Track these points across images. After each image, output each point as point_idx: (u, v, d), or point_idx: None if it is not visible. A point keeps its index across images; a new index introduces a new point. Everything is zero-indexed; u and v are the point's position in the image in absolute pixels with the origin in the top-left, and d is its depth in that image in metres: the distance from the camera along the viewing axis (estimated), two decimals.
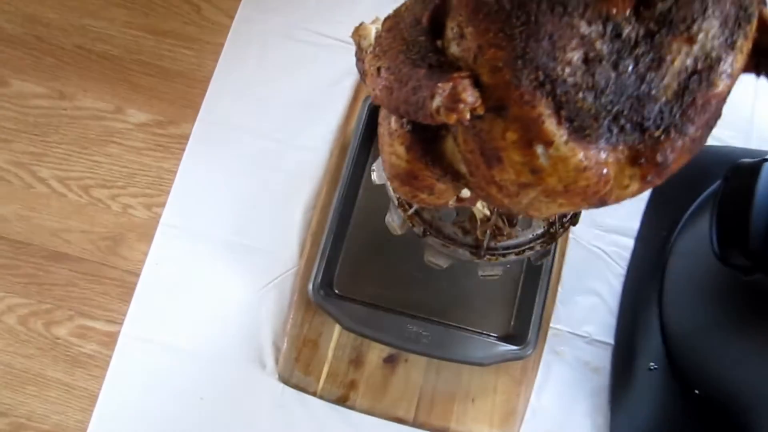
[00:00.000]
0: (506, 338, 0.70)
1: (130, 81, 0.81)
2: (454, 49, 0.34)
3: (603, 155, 0.33)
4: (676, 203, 0.75)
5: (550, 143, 0.32)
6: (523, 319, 0.70)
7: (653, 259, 0.73)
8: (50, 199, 0.77)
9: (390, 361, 0.71)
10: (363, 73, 0.43)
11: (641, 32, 0.32)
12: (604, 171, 0.34)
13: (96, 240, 0.76)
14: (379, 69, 0.37)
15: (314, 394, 0.70)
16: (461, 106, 0.32)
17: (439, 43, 0.36)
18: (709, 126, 0.36)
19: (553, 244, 0.60)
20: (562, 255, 0.74)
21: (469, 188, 0.41)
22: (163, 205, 0.77)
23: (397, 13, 0.39)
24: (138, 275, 0.75)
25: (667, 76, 0.33)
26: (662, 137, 0.34)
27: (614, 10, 0.32)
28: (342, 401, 0.70)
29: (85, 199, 0.78)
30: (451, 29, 0.34)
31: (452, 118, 0.32)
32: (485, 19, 0.32)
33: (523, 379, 0.71)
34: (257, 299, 0.74)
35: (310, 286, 0.69)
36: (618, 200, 0.37)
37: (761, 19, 0.35)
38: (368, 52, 0.40)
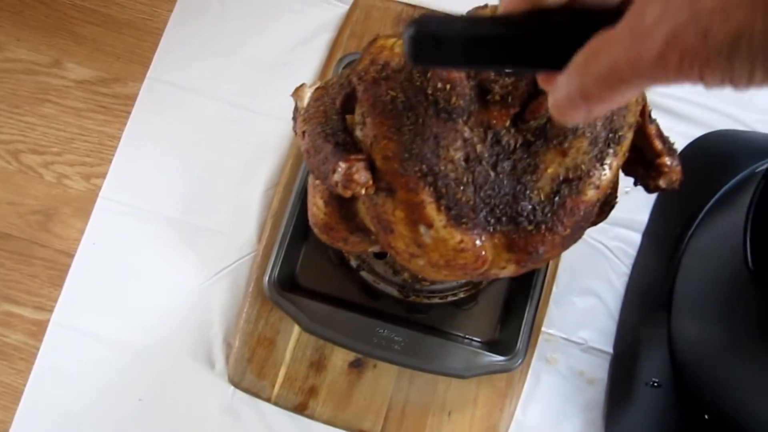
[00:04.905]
0: (491, 345, 0.62)
1: (71, 30, 0.72)
2: (358, 132, 0.40)
3: (479, 241, 0.39)
4: (693, 195, 0.66)
5: (431, 225, 0.38)
6: (511, 323, 0.62)
7: (663, 259, 0.65)
8: None
9: (356, 365, 0.63)
10: (294, 130, 0.50)
11: (519, 141, 0.39)
12: (482, 253, 0.40)
13: (25, 214, 0.68)
14: (303, 133, 0.43)
15: (268, 400, 0.63)
16: (354, 184, 0.38)
17: (350, 118, 0.41)
18: (580, 226, 0.41)
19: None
20: None
21: (379, 245, 0.46)
22: (103, 176, 0.69)
23: (326, 85, 0.44)
24: (72, 256, 0.67)
25: (540, 180, 0.39)
26: (534, 231, 0.39)
27: (494, 122, 0.38)
28: (300, 409, 0.63)
29: (13, 166, 0.69)
30: (358, 114, 0.40)
31: (347, 193, 0.38)
32: (381, 114, 0.38)
33: (507, 391, 0.63)
34: (207, 288, 0.66)
35: (266, 278, 0.60)
36: (498, 276, 0.43)
37: (647, 135, 0.42)
38: (300, 113, 0.46)
